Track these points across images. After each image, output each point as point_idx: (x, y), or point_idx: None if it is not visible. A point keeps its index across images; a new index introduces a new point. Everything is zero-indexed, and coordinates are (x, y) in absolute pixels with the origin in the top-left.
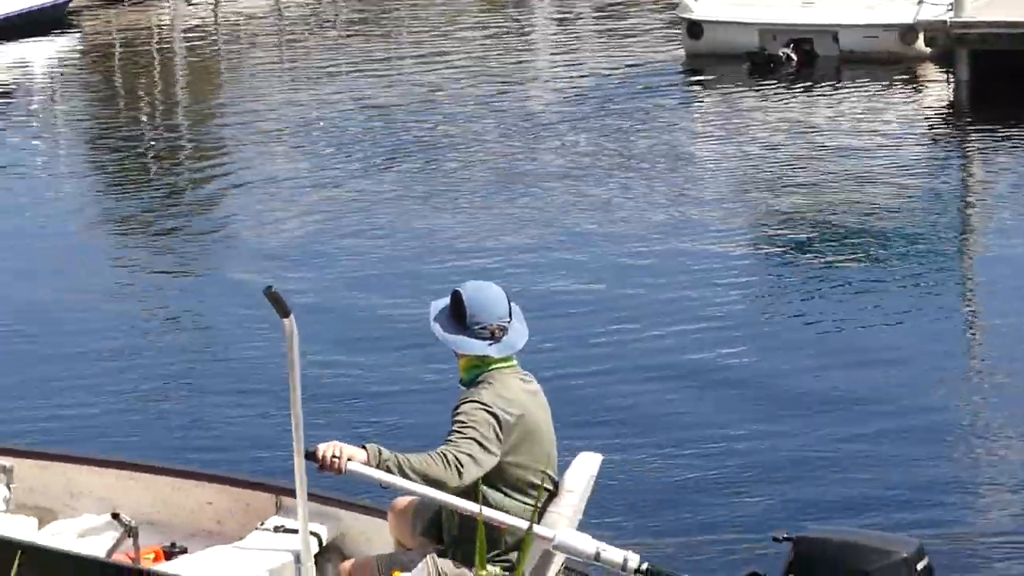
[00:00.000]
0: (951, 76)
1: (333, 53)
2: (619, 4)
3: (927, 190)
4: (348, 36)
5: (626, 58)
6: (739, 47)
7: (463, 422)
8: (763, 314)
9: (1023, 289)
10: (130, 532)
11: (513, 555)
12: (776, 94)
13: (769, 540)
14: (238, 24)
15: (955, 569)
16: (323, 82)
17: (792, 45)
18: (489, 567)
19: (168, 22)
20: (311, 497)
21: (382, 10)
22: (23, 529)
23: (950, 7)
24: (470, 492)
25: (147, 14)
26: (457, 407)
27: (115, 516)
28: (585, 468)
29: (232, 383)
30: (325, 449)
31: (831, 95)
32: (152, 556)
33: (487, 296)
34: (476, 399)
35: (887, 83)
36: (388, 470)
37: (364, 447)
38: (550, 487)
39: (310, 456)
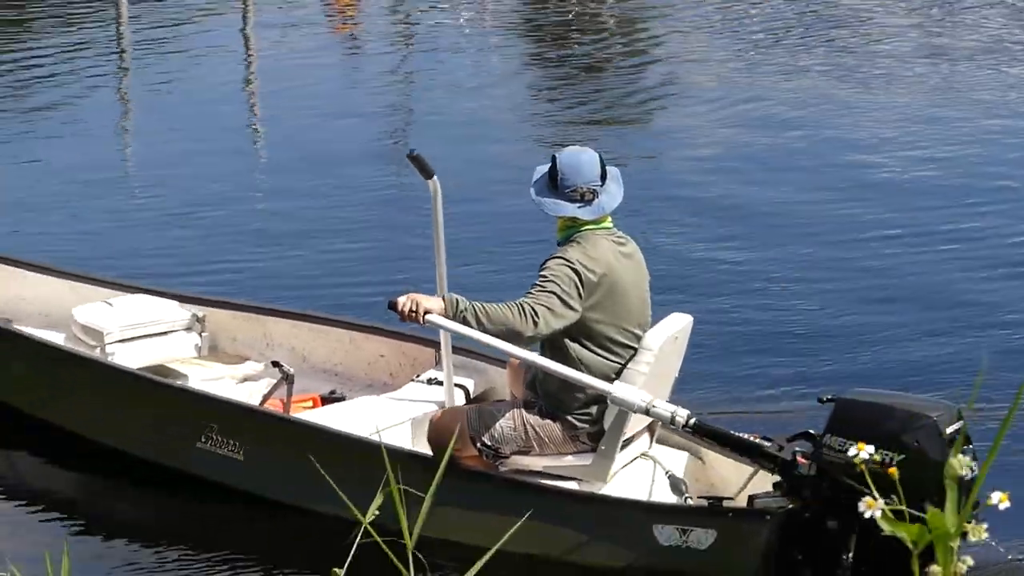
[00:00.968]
0: None
1: None
2: None
3: None
4: None
5: None
6: None
7: (545, 276)
8: None
9: None
10: (287, 378)
11: (593, 408)
12: None
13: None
14: None
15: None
16: None
17: None
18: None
19: None
20: (461, 352)
21: None
22: (195, 373)
23: None
24: (557, 347)
25: None
26: (544, 263)
27: (275, 364)
28: (667, 327)
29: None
30: (404, 303)
31: None
32: (310, 403)
33: (579, 160)
34: (561, 255)
35: None
36: (465, 320)
37: (443, 297)
38: (635, 345)
39: (391, 307)
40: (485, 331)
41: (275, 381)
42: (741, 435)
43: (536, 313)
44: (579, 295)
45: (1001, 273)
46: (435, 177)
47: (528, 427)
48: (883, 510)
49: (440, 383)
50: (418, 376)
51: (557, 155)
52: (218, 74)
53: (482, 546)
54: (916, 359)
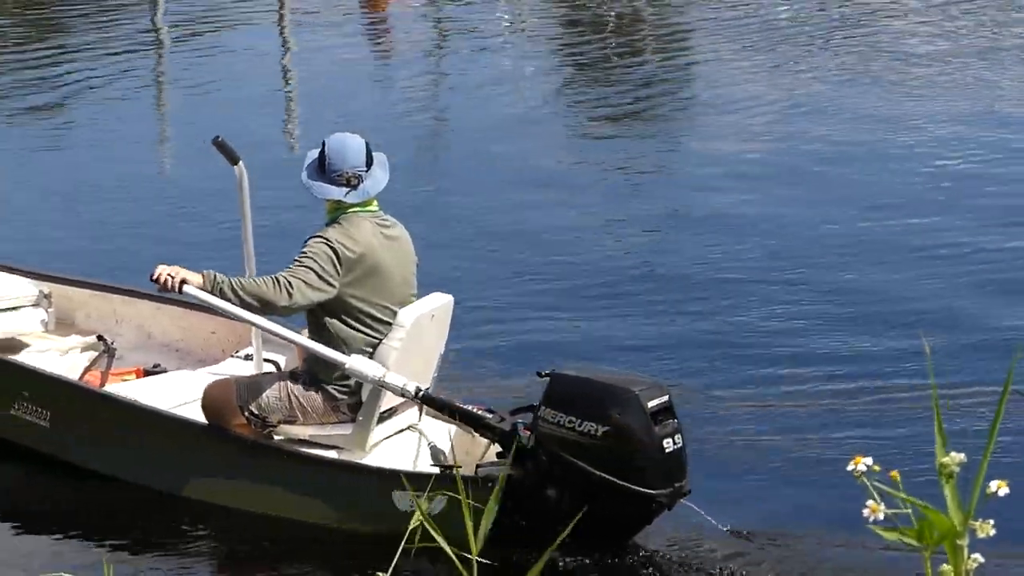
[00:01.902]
0: None
1: None
2: None
3: None
4: None
5: None
6: None
7: (305, 253)
8: None
9: None
10: (108, 352)
11: (352, 380)
12: None
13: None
14: None
15: None
16: None
17: None
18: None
19: None
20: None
21: None
22: (30, 346)
23: None
24: (319, 322)
25: None
26: (305, 242)
27: (99, 338)
28: (423, 306)
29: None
30: (162, 271)
31: None
32: (132, 376)
33: (344, 146)
34: (322, 235)
35: None
36: (222, 292)
37: (203, 273)
38: (391, 321)
39: (152, 277)
40: (242, 302)
41: (97, 354)
42: (465, 407)
43: (291, 285)
44: (336, 272)
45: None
46: (241, 163)
47: (292, 397)
48: (885, 514)
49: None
50: (237, 352)
51: (326, 140)
52: (253, 75)
53: (238, 508)
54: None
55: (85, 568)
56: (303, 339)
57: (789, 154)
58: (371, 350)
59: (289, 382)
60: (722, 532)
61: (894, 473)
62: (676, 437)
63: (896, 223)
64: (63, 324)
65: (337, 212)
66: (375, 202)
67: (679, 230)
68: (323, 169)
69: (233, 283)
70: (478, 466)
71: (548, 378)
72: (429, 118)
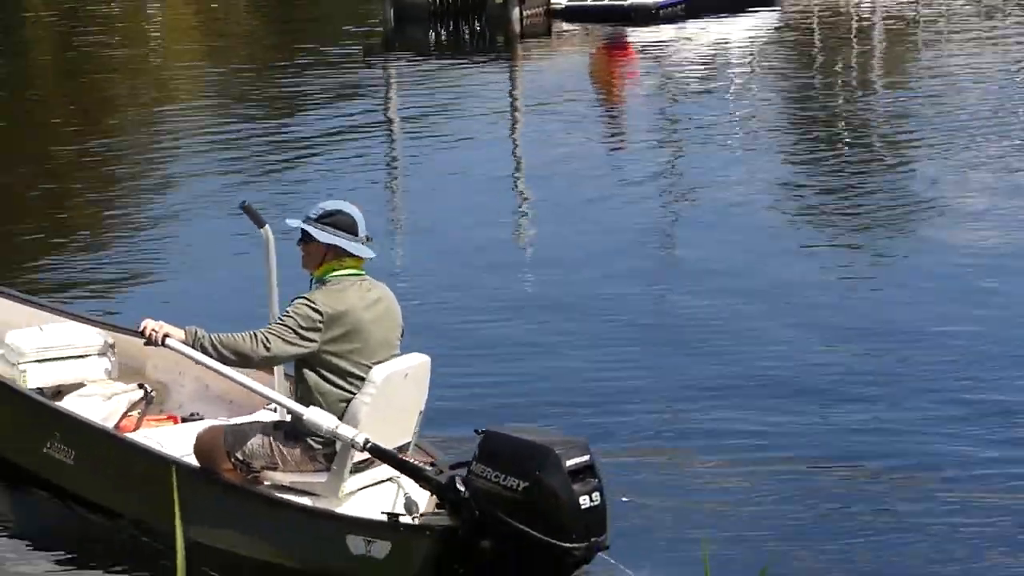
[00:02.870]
0: None
1: None
2: None
3: None
4: None
5: None
6: None
7: (288, 312)
8: None
9: None
10: (146, 399)
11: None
12: None
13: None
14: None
15: None
16: None
17: None
18: None
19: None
20: None
21: None
22: (81, 391)
23: None
24: (301, 376)
25: None
26: (291, 301)
27: (140, 385)
28: (395, 364)
29: None
30: (147, 324)
31: None
32: (169, 422)
33: (349, 210)
34: (306, 296)
35: None
36: (203, 347)
37: (185, 329)
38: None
39: (139, 330)
40: (220, 356)
41: (136, 400)
42: (407, 459)
43: (268, 340)
44: (315, 329)
45: None
46: (267, 226)
47: (273, 445)
48: None
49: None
50: (269, 404)
51: (336, 204)
52: (483, 156)
53: (215, 546)
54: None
55: None
56: (269, 391)
57: None
58: (345, 405)
59: (271, 431)
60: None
61: None
62: (594, 495)
63: None
64: (128, 372)
65: (325, 273)
66: (361, 267)
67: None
68: (342, 228)
69: (213, 338)
70: (420, 515)
71: (482, 435)
72: (657, 211)
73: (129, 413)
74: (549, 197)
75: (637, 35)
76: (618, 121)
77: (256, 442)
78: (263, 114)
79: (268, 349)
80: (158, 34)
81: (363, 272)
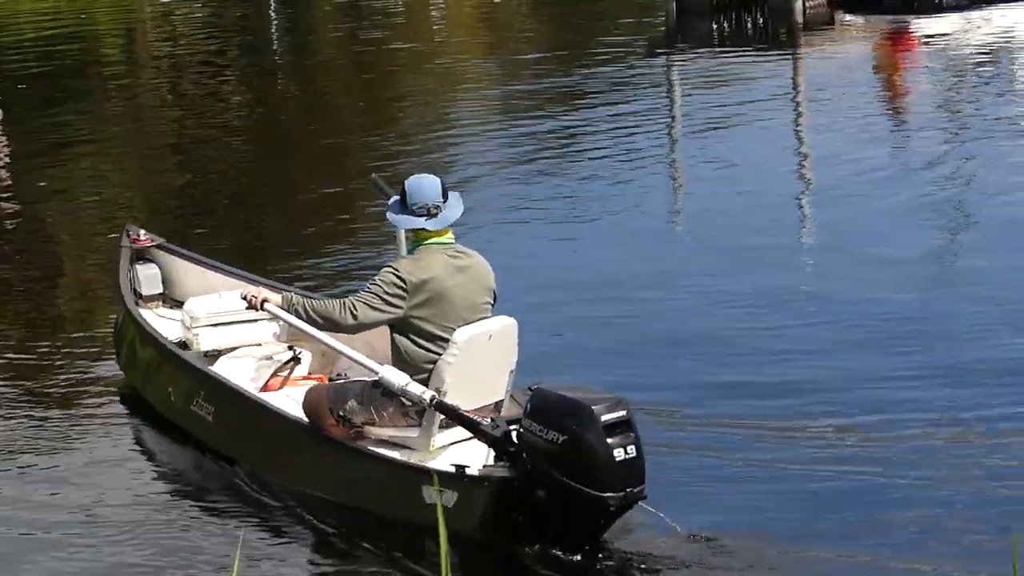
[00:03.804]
0: None
1: None
2: None
3: None
4: None
5: None
6: None
7: (374, 281)
8: None
9: None
10: (294, 360)
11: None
12: None
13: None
14: None
15: None
16: None
17: None
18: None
19: None
20: None
21: None
22: (238, 352)
23: None
24: (392, 339)
25: None
26: (379, 270)
27: (290, 347)
28: (479, 327)
29: None
30: (249, 291)
31: None
32: (315, 382)
33: (422, 183)
34: (392, 265)
35: None
36: (296, 312)
37: (282, 294)
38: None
39: (241, 296)
40: (311, 320)
41: (285, 362)
42: (468, 415)
43: (355, 307)
44: (400, 296)
45: None
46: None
47: (372, 403)
48: None
49: None
50: None
51: (406, 182)
52: (765, 148)
53: (316, 493)
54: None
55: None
56: (350, 351)
57: None
58: (431, 366)
59: (369, 390)
60: (680, 534)
61: None
62: (629, 448)
63: None
64: (298, 336)
65: (416, 244)
66: (450, 235)
67: None
68: (405, 204)
69: (306, 304)
70: (484, 467)
71: (532, 391)
72: (943, 204)
73: (278, 374)
74: (835, 186)
75: (921, 25)
76: (902, 113)
77: (355, 400)
78: (546, 110)
79: (355, 316)
80: (442, 26)
81: (451, 241)
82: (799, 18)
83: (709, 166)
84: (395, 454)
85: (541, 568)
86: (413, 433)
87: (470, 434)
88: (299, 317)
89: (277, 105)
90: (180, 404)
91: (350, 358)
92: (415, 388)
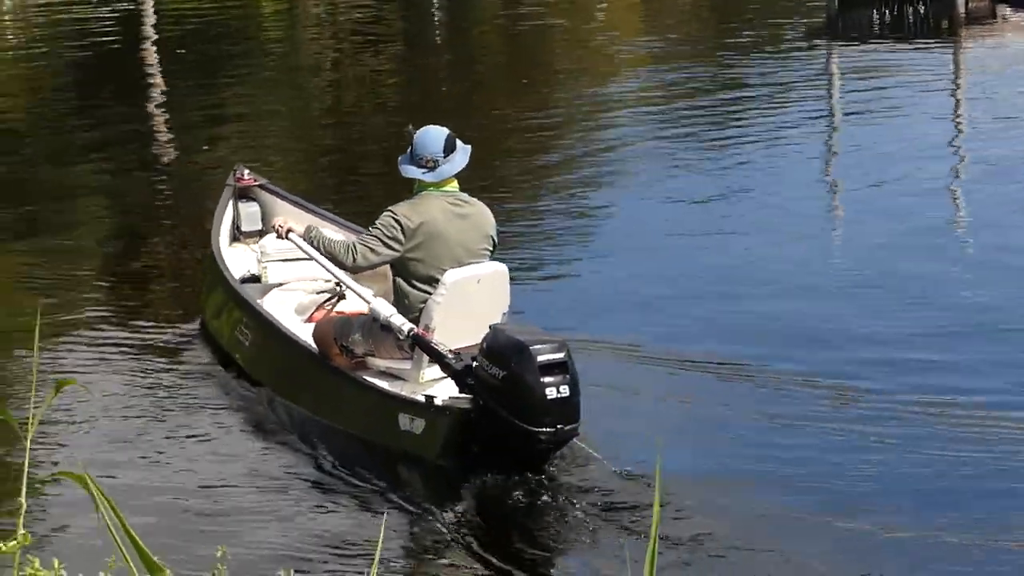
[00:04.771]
0: None
1: None
2: None
3: None
4: None
5: None
6: None
7: (375, 224)
8: None
9: None
10: (337, 296)
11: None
12: None
13: None
14: None
15: None
16: None
17: None
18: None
19: None
20: None
21: None
22: (292, 286)
23: None
24: (393, 281)
25: None
26: (381, 214)
27: (337, 284)
28: (470, 270)
29: None
30: (277, 221)
31: None
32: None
33: (427, 135)
34: (392, 208)
35: None
36: (312, 241)
37: (307, 226)
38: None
39: (273, 226)
40: (323, 253)
41: (330, 296)
42: (439, 348)
43: (356, 250)
44: (398, 239)
45: None
46: None
47: (371, 336)
48: None
49: None
50: None
51: (416, 133)
52: (923, 142)
53: (316, 416)
54: None
55: None
56: (349, 280)
57: None
58: (423, 305)
59: (370, 323)
60: (612, 471)
61: None
62: (563, 388)
63: None
64: (367, 276)
65: (418, 190)
66: (454, 184)
67: None
68: (410, 154)
69: (323, 239)
70: (450, 398)
71: (489, 331)
72: None
73: (323, 307)
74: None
75: None
76: None
77: (357, 332)
78: (703, 99)
79: (355, 259)
80: (602, 9)
81: (454, 190)
82: (961, 10)
83: (867, 160)
84: (383, 384)
85: (482, 503)
86: (407, 365)
87: None
88: (315, 247)
89: (432, 79)
90: (228, 332)
91: (348, 286)
92: (397, 320)
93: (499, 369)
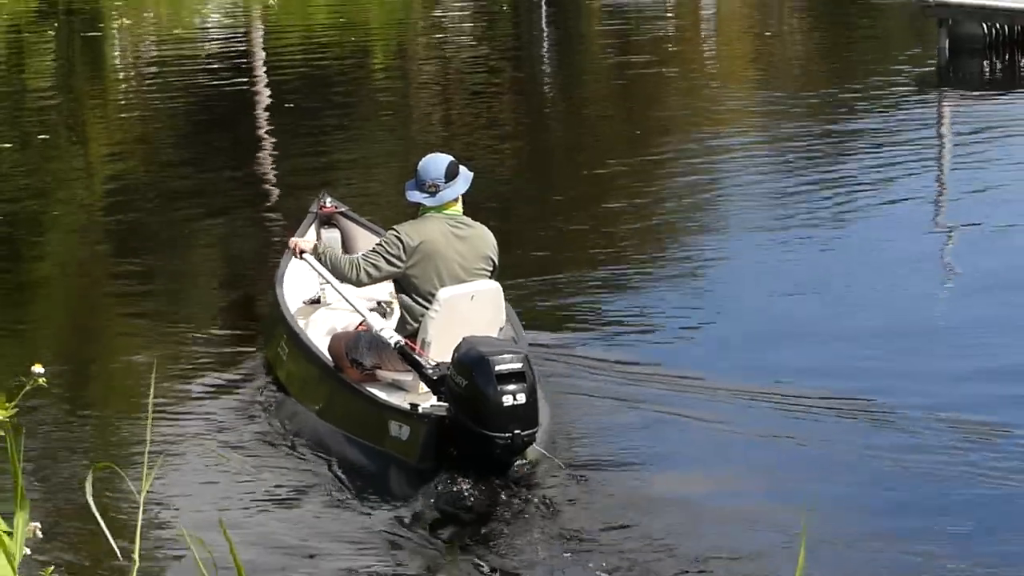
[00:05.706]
0: None
1: None
2: None
3: None
4: None
5: None
6: None
7: (379, 242)
8: None
9: None
10: (382, 314)
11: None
12: None
13: None
14: None
15: None
16: None
17: None
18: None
19: None
20: None
21: None
22: (330, 306)
23: None
24: (398, 297)
25: None
26: (386, 231)
27: (379, 303)
28: (463, 288)
29: None
30: (294, 241)
31: None
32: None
33: (430, 163)
34: (395, 228)
35: None
36: (321, 259)
37: (316, 244)
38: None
39: (288, 245)
40: (332, 270)
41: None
42: (420, 360)
43: (359, 268)
44: (400, 256)
45: None
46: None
47: (376, 349)
48: None
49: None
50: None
51: (420, 161)
52: None
53: (327, 423)
54: None
55: None
56: (351, 297)
57: None
58: (423, 319)
59: (375, 338)
60: (563, 470)
61: None
62: (519, 395)
63: None
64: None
65: (423, 211)
66: (456, 207)
67: None
68: (415, 180)
69: (330, 256)
70: (432, 405)
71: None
72: None
73: (364, 324)
74: None
75: None
76: None
77: (364, 346)
78: (809, 151)
79: (358, 274)
80: (712, 52)
81: (455, 213)
82: None
83: (978, 202)
84: (382, 394)
85: (455, 505)
86: (408, 377)
87: None
88: (324, 265)
89: (541, 128)
90: (272, 350)
91: (349, 302)
92: (387, 333)
93: (462, 378)
